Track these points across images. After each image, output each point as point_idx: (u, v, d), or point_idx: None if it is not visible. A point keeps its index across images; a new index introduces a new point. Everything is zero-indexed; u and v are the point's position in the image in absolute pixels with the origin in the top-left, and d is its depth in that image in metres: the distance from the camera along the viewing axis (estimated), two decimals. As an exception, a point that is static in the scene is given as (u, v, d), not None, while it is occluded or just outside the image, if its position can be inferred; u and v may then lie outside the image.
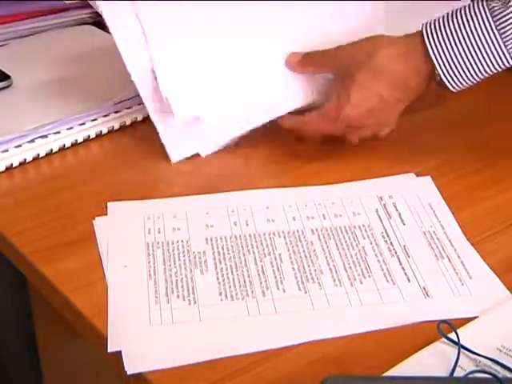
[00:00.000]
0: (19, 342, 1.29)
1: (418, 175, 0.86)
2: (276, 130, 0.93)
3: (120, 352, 0.65)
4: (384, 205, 0.82)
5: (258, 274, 0.73)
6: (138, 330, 0.68)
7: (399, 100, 0.85)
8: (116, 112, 0.95)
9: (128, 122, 0.96)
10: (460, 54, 0.80)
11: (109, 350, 0.66)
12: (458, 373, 0.62)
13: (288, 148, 0.92)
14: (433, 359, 0.64)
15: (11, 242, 0.78)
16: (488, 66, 0.80)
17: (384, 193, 0.84)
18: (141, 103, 0.96)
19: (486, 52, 0.79)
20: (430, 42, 0.80)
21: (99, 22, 1.16)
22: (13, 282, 1.23)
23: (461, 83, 0.81)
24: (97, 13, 1.15)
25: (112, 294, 0.71)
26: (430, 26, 0.81)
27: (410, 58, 0.82)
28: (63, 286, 0.72)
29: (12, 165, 0.88)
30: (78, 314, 0.70)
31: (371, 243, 0.77)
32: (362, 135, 0.89)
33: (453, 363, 0.63)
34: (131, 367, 0.64)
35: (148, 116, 0.96)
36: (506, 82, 1.03)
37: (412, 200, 0.83)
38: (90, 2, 1.15)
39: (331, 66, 0.88)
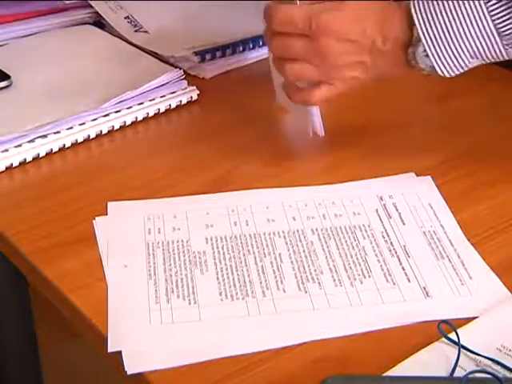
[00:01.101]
0: (19, 342, 1.29)
1: (418, 175, 0.86)
2: (276, 129, 0.93)
3: (120, 352, 0.65)
4: (384, 205, 0.82)
5: (258, 274, 0.73)
6: (138, 330, 0.68)
7: (373, 44, 0.78)
8: (116, 112, 0.95)
9: (128, 122, 0.96)
10: (448, 30, 0.74)
11: (109, 350, 0.66)
12: (458, 373, 0.62)
13: (288, 148, 0.92)
14: (433, 359, 0.64)
15: (11, 241, 0.78)
16: (479, 50, 0.75)
17: (384, 193, 0.84)
18: (141, 103, 0.96)
19: (477, 34, 0.74)
20: (415, 10, 0.76)
21: (99, 22, 1.16)
22: (13, 281, 1.23)
23: (447, 63, 0.76)
24: (97, 13, 1.15)
25: (112, 293, 0.71)
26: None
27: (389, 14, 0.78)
28: (63, 286, 0.72)
29: (12, 165, 0.88)
30: (78, 313, 0.70)
31: (371, 243, 0.77)
32: (308, 73, 0.81)
33: (453, 363, 0.63)
34: (131, 367, 0.64)
35: (148, 116, 0.97)
36: (507, 82, 1.03)
37: (412, 200, 0.83)
38: (90, 2, 1.16)
39: None
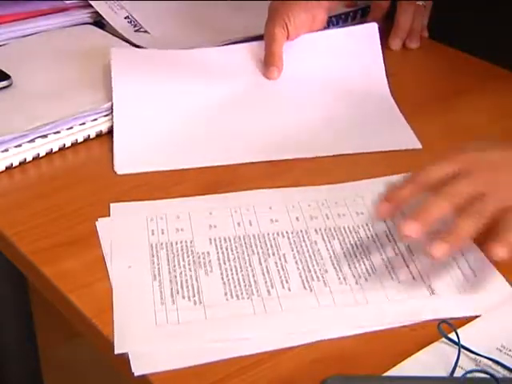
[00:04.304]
0: (19, 342, 1.29)
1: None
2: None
3: (123, 353, 0.65)
4: (386, 204, 0.82)
5: (263, 274, 0.73)
6: (144, 331, 0.67)
7: None
8: (117, 112, 0.95)
9: (128, 122, 0.95)
10: None
11: (115, 352, 0.65)
12: (458, 373, 0.62)
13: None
14: (433, 359, 0.64)
15: (11, 241, 0.78)
16: None
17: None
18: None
19: None
20: None
21: (99, 22, 1.16)
22: (13, 281, 1.23)
23: None
24: (97, 13, 1.15)
25: (117, 295, 0.71)
26: None
27: None
28: (63, 286, 0.72)
29: (12, 165, 0.88)
30: (78, 314, 0.70)
31: (375, 242, 0.77)
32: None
33: (453, 363, 0.63)
34: (138, 369, 0.64)
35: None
36: (509, 81, 1.03)
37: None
38: (90, 2, 1.16)
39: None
